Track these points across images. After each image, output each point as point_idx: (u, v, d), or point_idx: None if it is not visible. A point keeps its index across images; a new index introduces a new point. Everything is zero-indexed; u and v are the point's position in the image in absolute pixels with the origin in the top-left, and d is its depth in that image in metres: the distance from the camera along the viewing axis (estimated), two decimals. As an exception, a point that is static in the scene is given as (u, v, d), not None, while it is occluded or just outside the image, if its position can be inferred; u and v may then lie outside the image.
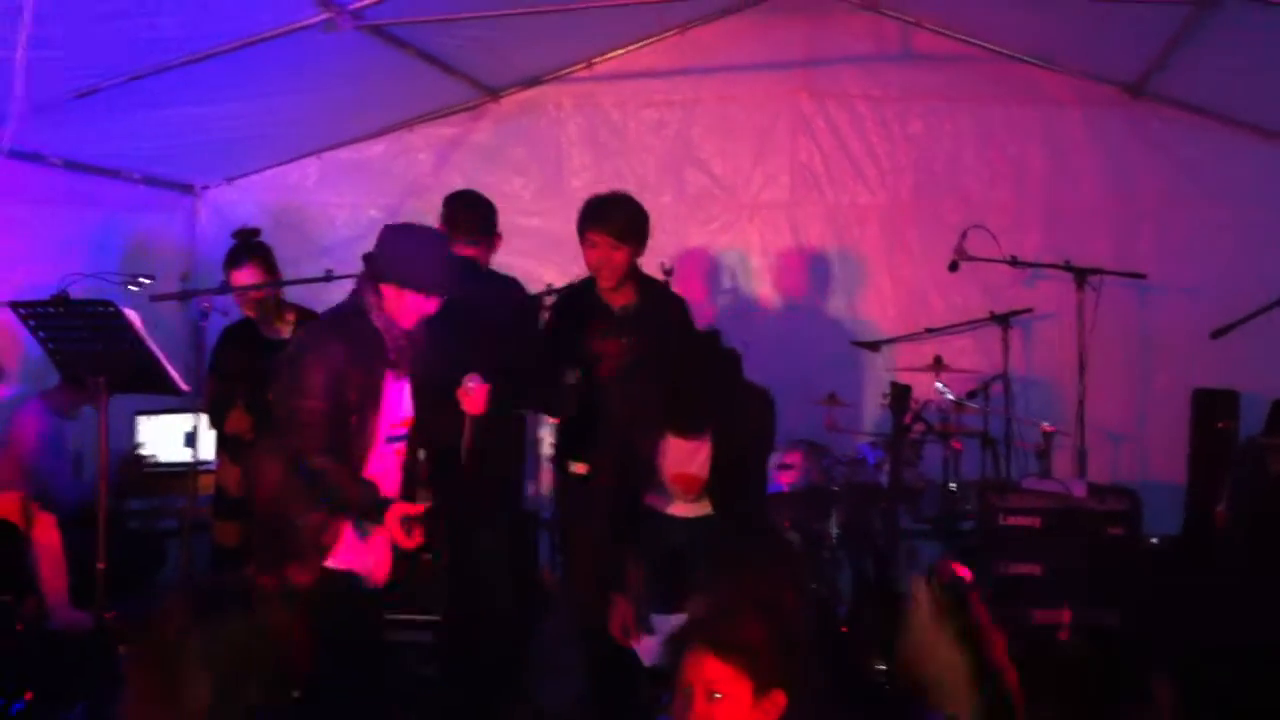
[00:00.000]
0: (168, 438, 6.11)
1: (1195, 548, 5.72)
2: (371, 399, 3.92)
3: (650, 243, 6.14)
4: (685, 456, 4.34)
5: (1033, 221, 6.80)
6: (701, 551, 4.40)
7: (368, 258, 4.03)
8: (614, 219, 4.80)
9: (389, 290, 3.94)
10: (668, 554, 4.46)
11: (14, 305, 4.71)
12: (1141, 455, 6.53)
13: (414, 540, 3.90)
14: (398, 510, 3.88)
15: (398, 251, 3.97)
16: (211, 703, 2.41)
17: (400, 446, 4.12)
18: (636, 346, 4.79)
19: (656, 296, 5.04)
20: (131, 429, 6.12)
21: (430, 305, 3.97)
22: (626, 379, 4.71)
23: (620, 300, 4.90)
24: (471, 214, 5.03)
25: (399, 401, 4.07)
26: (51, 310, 4.67)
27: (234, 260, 5.20)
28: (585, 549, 4.92)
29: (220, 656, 2.44)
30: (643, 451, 4.37)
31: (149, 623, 2.53)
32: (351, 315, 3.97)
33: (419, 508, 3.97)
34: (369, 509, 3.90)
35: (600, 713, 4.80)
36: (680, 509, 4.45)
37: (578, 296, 5.06)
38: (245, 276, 5.10)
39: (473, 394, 4.27)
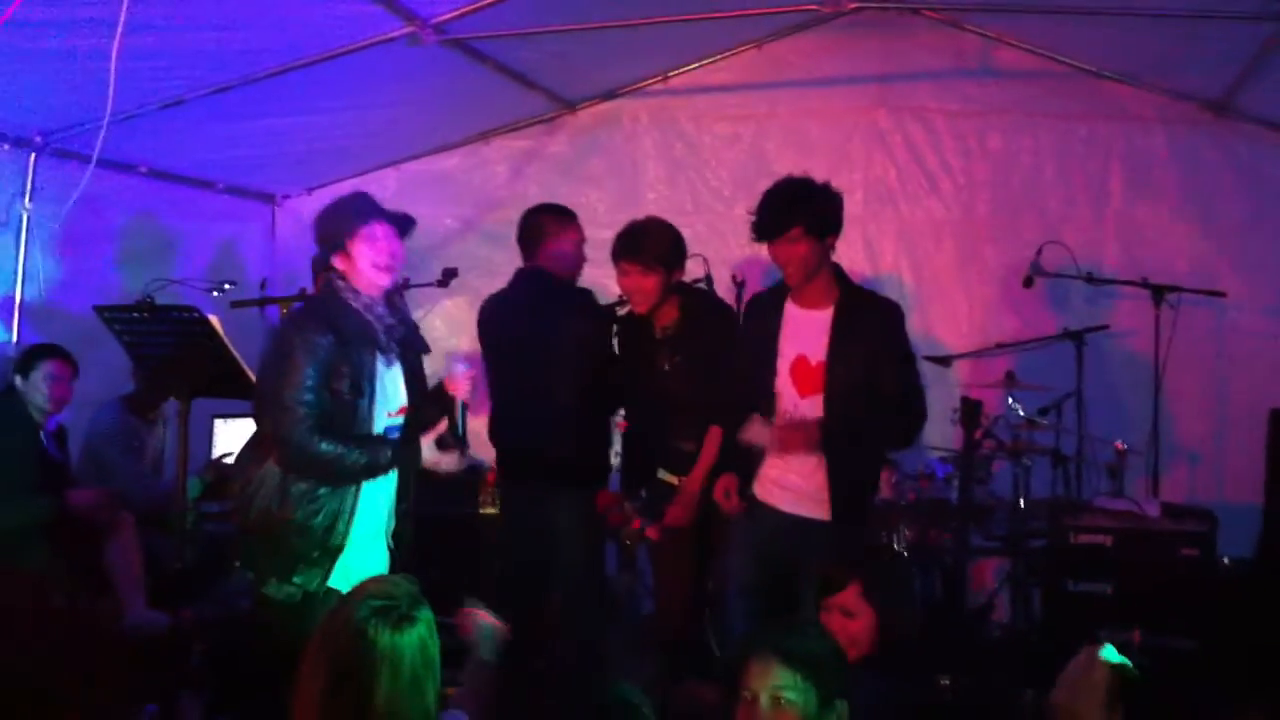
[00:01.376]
0: (244, 441, 6.22)
1: (1269, 572, 5.61)
2: (365, 388, 3.79)
3: (723, 254, 6.22)
4: (804, 375, 4.31)
5: (1111, 239, 6.73)
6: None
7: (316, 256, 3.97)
8: (643, 248, 4.84)
9: (347, 254, 3.81)
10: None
11: (100, 310, 4.85)
12: (1218, 476, 6.42)
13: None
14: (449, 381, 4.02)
15: (325, 216, 3.88)
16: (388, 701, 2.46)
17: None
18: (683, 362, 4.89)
19: (698, 310, 5.07)
20: (210, 432, 6.24)
21: (393, 244, 3.83)
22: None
23: (663, 320, 4.96)
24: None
25: (394, 390, 3.94)
26: (136, 315, 4.80)
27: None
28: (670, 559, 4.98)
29: (405, 658, 2.49)
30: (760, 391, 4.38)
31: (331, 618, 2.57)
32: (333, 303, 3.82)
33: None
34: (402, 455, 3.84)
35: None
36: (788, 499, 4.39)
37: (628, 318, 5.14)
38: None
39: (458, 379, 4.12)
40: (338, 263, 3.83)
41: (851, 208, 6.88)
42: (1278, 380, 6.13)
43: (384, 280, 3.83)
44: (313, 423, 3.68)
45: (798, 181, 4.36)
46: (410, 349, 4.01)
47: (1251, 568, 5.69)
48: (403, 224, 3.90)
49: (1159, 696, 4.90)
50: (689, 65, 7.10)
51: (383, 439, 3.85)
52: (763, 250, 6.90)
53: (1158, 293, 5.96)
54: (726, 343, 4.87)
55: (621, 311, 5.21)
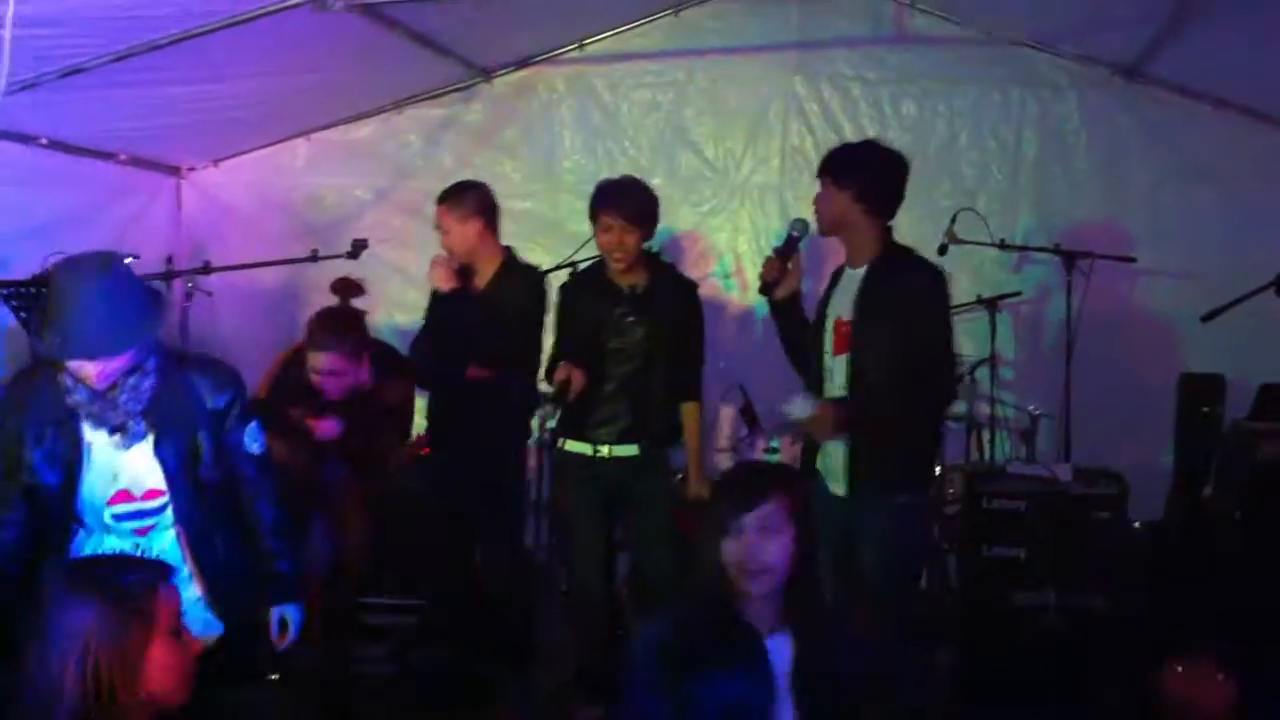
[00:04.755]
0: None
1: (1180, 532, 5.72)
2: (61, 471, 3.35)
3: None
4: None
5: (1025, 205, 6.79)
6: None
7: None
8: (627, 202, 4.81)
9: None
10: None
11: (-5, 284, 4.71)
12: (1129, 440, 6.50)
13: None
14: None
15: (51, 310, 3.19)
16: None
17: (144, 528, 3.45)
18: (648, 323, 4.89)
19: (666, 278, 5.09)
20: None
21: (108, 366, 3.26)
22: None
23: (630, 281, 4.92)
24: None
25: (129, 472, 3.42)
26: (33, 290, 4.67)
27: None
28: (584, 530, 4.96)
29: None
30: None
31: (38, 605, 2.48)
32: (25, 384, 3.42)
33: None
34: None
35: (593, 692, 4.85)
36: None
37: (586, 278, 5.08)
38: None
39: None
40: None
41: (769, 175, 7.03)
42: (1187, 345, 6.23)
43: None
44: None
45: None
46: (177, 425, 3.45)
47: (1160, 530, 5.79)
48: None
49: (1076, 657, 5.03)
50: (605, 32, 7.03)
51: None
52: (682, 221, 6.98)
53: (1069, 259, 6.01)
54: (691, 317, 5.03)
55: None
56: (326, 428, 4.95)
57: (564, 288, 5.18)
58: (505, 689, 5.07)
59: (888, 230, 4.35)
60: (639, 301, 4.90)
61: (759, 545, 2.86)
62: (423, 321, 5.21)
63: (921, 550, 4.45)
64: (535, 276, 5.24)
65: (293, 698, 4.45)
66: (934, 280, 4.27)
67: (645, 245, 4.97)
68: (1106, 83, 6.70)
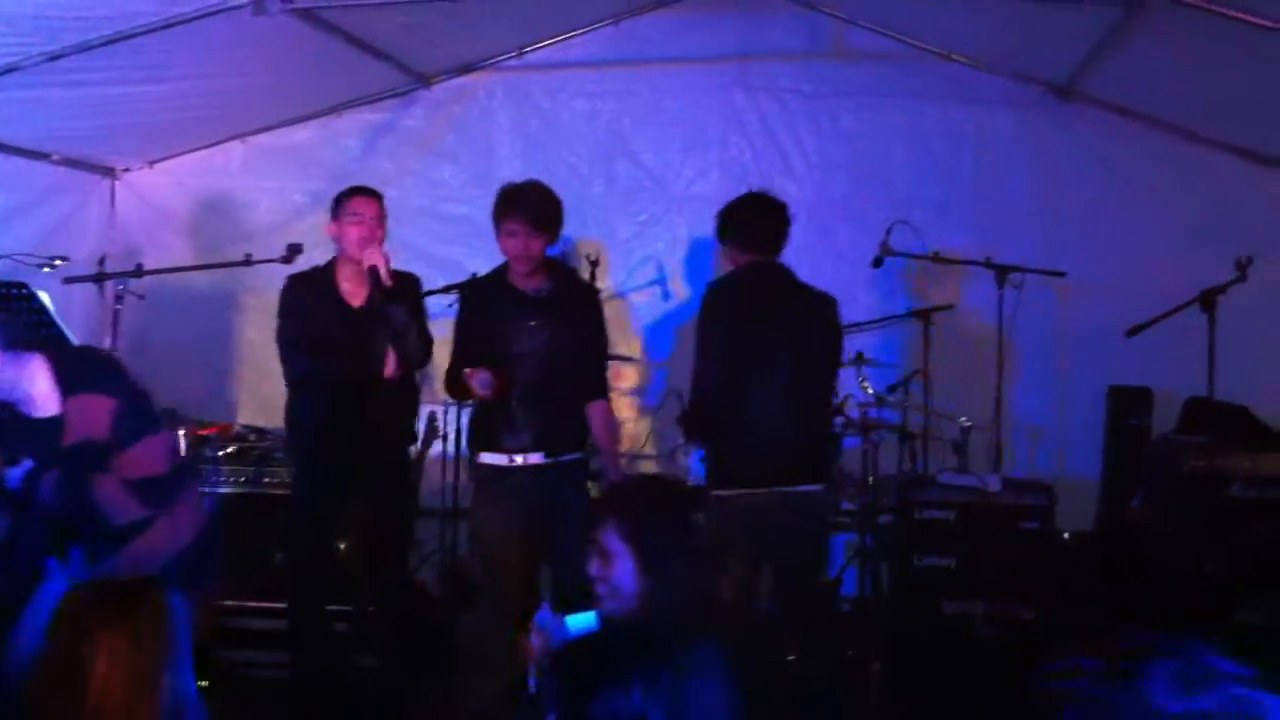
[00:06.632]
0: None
1: (1107, 543, 5.81)
2: None
3: (580, 233, 6.22)
4: None
5: (961, 220, 6.83)
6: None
7: None
8: (531, 207, 4.78)
9: None
10: None
11: (-78, 284, 4.63)
12: (1058, 451, 6.61)
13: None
14: None
15: None
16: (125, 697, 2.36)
17: None
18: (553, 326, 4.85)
19: (568, 281, 5.08)
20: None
21: None
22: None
23: (532, 285, 4.88)
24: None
25: None
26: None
27: None
28: (501, 540, 4.88)
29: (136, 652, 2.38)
30: None
31: (56, 618, 2.46)
32: None
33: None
34: None
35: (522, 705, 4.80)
36: None
37: (487, 284, 5.05)
38: None
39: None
40: None
41: (707, 187, 7.04)
42: (1116, 358, 6.29)
43: None
44: None
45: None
46: None
47: (1089, 541, 5.88)
48: None
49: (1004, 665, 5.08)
50: (545, 40, 7.04)
51: None
52: (620, 231, 7.00)
53: (1001, 272, 6.07)
54: (594, 318, 5.04)
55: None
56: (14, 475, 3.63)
57: (464, 296, 5.09)
58: (435, 699, 5.05)
59: (751, 261, 4.91)
60: (543, 305, 4.86)
61: (599, 567, 2.93)
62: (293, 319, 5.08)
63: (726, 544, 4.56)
64: (418, 281, 5.21)
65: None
66: (702, 299, 4.92)
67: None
68: (1041, 101, 6.80)
